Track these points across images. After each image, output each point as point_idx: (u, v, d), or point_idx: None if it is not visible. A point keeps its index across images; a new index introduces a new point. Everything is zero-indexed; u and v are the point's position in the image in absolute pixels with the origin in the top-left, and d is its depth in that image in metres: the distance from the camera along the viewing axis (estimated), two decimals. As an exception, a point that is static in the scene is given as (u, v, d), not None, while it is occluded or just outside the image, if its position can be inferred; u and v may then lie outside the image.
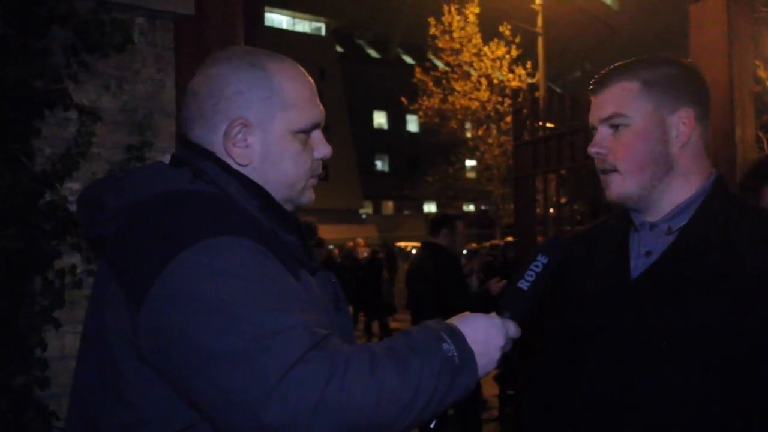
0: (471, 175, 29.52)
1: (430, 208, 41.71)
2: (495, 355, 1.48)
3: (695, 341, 1.67)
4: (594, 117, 1.88)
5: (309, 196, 1.67)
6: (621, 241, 1.91)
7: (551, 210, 6.43)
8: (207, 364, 1.24)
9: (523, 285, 1.61)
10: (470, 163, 29.47)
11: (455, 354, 1.38)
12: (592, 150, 1.87)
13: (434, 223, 6.44)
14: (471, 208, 36.69)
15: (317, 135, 1.65)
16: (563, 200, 6.35)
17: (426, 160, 32.60)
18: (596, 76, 1.91)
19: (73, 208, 3.08)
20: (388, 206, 49.46)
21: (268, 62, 1.60)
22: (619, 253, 1.89)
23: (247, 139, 1.56)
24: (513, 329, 1.55)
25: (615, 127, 1.83)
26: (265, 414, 1.19)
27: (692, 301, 1.69)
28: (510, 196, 19.38)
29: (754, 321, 1.63)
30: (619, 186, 1.83)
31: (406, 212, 46.35)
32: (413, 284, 6.44)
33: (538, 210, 6.31)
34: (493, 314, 1.56)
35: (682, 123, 1.80)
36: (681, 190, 1.82)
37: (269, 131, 1.57)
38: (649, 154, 1.80)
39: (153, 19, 3.34)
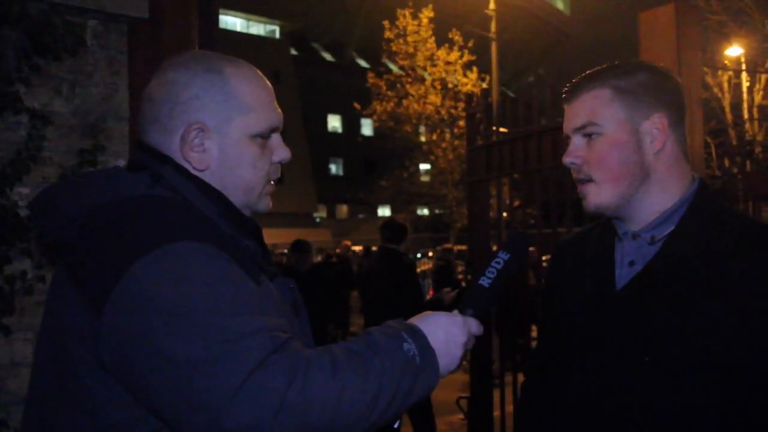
0: (425, 178, 29.60)
1: (384, 211, 41.73)
2: (457, 352, 1.49)
3: (681, 354, 1.66)
4: (567, 126, 1.86)
5: (266, 203, 1.66)
6: (606, 250, 1.90)
7: (504, 214, 6.49)
8: (169, 370, 1.24)
9: (485, 282, 1.62)
10: (424, 166, 29.58)
11: (416, 354, 1.39)
12: (566, 160, 1.85)
13: (400, 230, 6.47)
14: (425, 212, 36.79)
15: (276, 138, 1.65)
16: (516, 204, 6.41)
17: (381, 163, 32.62)
18: (568, 85, 1.88)
19: (23, 213, 3.03)
20: (343, 210, 49.43)
21: (224, 66, 1.59)
22: (604, 263, 1.87)
23: (204, 143, 1.55)
24: (475, 327, 1.56)
25: (588, 136, 1.81)
26: (228, 418, 1.19)
27: (677, 313, 1.68)
28: (464, 199, 19.50)
29: (742, 333, 1.62)
30: (596, 197, 1.82)
31: (360, 216, 46.31)
32: (369, 289, 6.46)
33: (491, 214, 6.36)
34: (455, 312, 1.57)
35: (655, 129, 1.78)
36: (661, 198, 1.80)
37: (227, 135, 1.57)
38: (624, 164, 1.78)
39: (107, 23, 3.30)
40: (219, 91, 1.56)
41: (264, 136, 1.62)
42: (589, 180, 1.82)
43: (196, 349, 1.23)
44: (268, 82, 1.67)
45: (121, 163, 1.62)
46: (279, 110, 1.66)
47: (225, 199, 1.56)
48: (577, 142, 1.84)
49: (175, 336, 1.25)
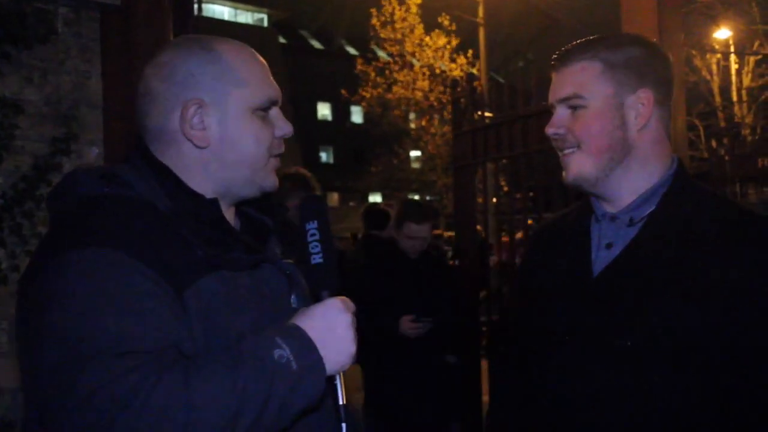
0: (415, 165, 29.55)
1: (375, 199, 41.66)
2: (347, 334, 1.46)
3: (659, 339, 1.62)
4: (553, 95, 1.83)
5: (273, 180, 1.64)
6: (582, 233, 1.85)
7: (494, 199, 6.47)
8: (28, 373, 1.37)
9: (318, 259, 1.53)
10: (414, 153, 29.54)
11: (291, 359, 1.35)
12: (549, 131, 1.81)
13: (382, 216, 6.44)
14: (416, 198, 36.80)
15: (276, 112, 1.64)
16: (505, 189, 6.37)
17: (370, 151, 32.53)
18: (557, 52, 1.84)
19: (-4, 203, 2.99)
20: (333, 198, 49.28)
21: (216, 43, 1.60)
22: (580, 246, 1.83)
23: (204, 120, 1.55)
24: (349, 303, 1.51)
25: (573, 108, 1.78)
26: (67, 427, 1.26)
27: (655, 297, 1.64)
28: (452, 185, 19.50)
29: (720, 323, 1.59)
30: (578, 166, 1.78)
31: (351, 204, 46.25)
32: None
33: (479, 199, 6.33)
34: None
35: (640, 104, 1.75)
36: (641, 177, 1.77)
37: (225, 110, 1.56)
38: (607, 137, 1.74)
39: (78, 10, 3.26)
40: (213, 66, 1.56)
41: (264, 110, 1.61)
42: (577, 146, 1.77)
43: (50, 364, 1.30)
44: (261, 58, 1.67)
45: (95, 151, 1.60)
46: (276, 85, 1.65)
47: (188, 194, 1.54)
48: (561, 112, 1.81)
49: (37, 348, 1.33)
